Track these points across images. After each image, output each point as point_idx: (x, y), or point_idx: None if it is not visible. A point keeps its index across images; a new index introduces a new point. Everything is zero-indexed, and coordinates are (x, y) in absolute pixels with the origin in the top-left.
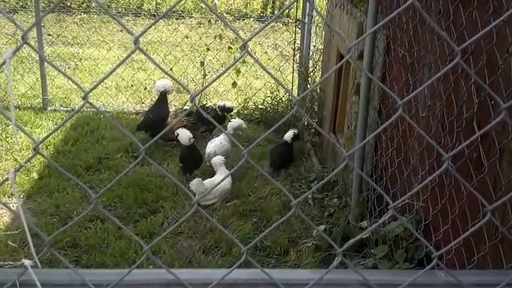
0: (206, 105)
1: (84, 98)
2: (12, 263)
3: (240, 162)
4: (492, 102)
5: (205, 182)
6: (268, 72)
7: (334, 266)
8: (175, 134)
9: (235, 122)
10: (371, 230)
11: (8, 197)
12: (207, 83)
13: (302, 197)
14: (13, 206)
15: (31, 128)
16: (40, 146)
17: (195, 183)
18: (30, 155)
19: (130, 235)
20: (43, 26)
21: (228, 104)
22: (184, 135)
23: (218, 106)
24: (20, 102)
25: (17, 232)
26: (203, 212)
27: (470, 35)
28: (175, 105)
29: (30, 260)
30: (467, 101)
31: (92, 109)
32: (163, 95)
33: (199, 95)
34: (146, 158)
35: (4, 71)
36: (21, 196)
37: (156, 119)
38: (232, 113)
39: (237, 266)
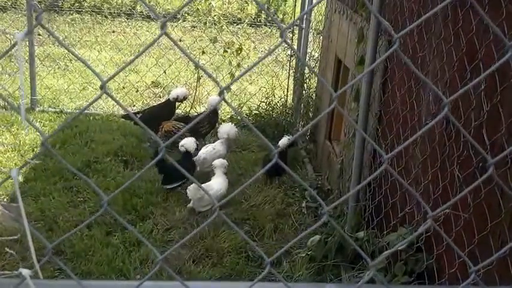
0: (189, 115)
1: (102, 87)
2: (8, 272)
3: (270, 164)
4: (502, 110)
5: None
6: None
7: (365, 280)
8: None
9: (226, 126)
10: (408, 241)
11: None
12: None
13: (333, 204)
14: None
15: (17, 129)
16: (26, 147)
17: (192, 188)
18: (38, 151)
19: (147, 245)
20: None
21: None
22: (190, 143)
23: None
24: (5, 102)
25: (16, 237)
26: (224, 217)
27: (481, 41)
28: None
29: (29, 270)
30: (475, 108)
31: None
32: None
33: (193, 100)
34: (166, 156)
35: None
36: (5, 200)
37: (151, 117)
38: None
39: (259, 279)
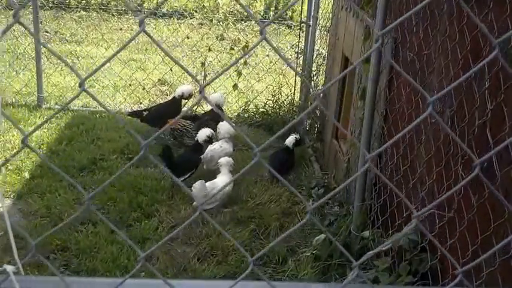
0: (197, 114)
1: (81, 85)
2: None
3: (252, 162)
4: (506, 109)
5: (206, 184)
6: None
7: (349, 280)
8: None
9: (225, 125)
10: (391, 242)
11: None
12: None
13: (317, 203)
14: None
15: (24, 126)
16: (32, 144)
17: (197, 186)
18: (18, 149)
19: (124, 240)
20: (40, 22)
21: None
22: (200, 132)
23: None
24: (14, 100)
25: (1, 233)
26: (208, 217)
27: (485, 39)
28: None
29: (13, 266)
30: (480, 106)
31: (88, 108)
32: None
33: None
34: (147, 154)
35: None
36: (12, 196)
37: (158, 115)
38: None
39: (243, 277)
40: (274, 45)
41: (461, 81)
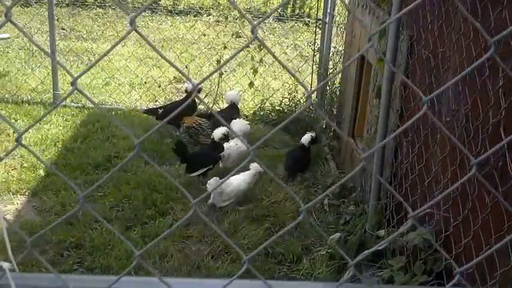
0: (212, 112)
1: (73, 84)
2: None
3: (246, 160)
4: None
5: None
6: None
7: (345, 280)
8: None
9: (236, 123)
10: (388, 241)
11: (13, 194)
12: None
13: (312, 203)
14: (17, 204)
15: (40, 123)
16: (48, 141)
17: (212, 182)
18: (11, 147)
19: (122, 240)
20: (57, 19)
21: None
22: (216, 131)
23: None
24: (30, 97)
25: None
26: (202, 215)
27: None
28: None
29: (9, 263)
30: (494, 105)
31: (104, 106)
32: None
33: (215, 95)
34: (141, 153)
35: None
36: (27, 193)
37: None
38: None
39: (237, 276)
40: (268, 46)
41: (457, 80)
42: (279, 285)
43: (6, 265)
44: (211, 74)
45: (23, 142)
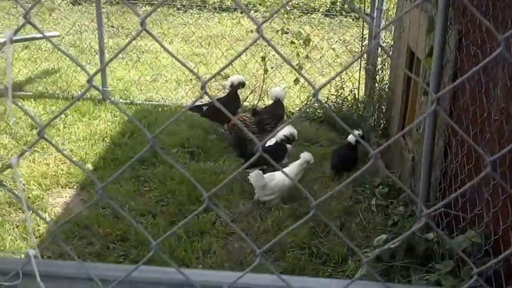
0: (256, 108)
1: (89, 81)
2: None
3: (254, 157)
4: None
5: (265, 175)
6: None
7: (357, 277)
8: None
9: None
10: (399, 241)
11: (62, 187)
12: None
13: (321, 199)
14: (65, 197)
15: (89, 119)
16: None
17: (254, 175)
18: (34, 140)
19: (141, 230)
20: (107, 17)
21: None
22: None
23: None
24: (79, 93)
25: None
26: (214, 207)
27: None
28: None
29: (34, 250)
30: None
31: (151, 102)
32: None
33: (260, 92)
34: (155, 147)
35: (4, 53)
36: (75, 187)
37: (217, 109)
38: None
39: (249, 269)
40: (272, 42)
41: (469, 75)
42: (294, 281)
43: (31, 252)
44: (219, 72)
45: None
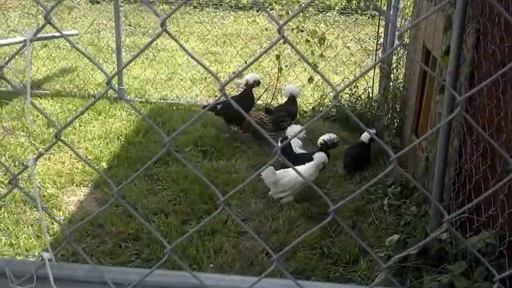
0: (270, 107)
1: (108, 83)
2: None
3: (271, 160)
4: None
5: (277, 172)
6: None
7: (376, 283)
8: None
9: (295, 127)
10: (419, 247)
11: (76, 185)
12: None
13: (340, 204)
14: (80, 195)
15: (105, 117)
16: (111, 135)
17: (266, 172)
18: (51, 142)
19: (155, 233)
20: (125, 16)
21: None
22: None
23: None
24: (96, 91)
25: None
26: (230, 211)
27: None
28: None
29: (48, 253)
30: None
31: (166, 101)
32: (248, 89)
33: (274, 90)
34: (171, 150)
35: (24, 53)
36: (89, 185)
37: (231, 108)
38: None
39: (265, 274)
40: (294, 44)
41: (492, 80)
42: (310, 286)
43: (46, 255)
44: (238, 74)
45: (88, 136)
